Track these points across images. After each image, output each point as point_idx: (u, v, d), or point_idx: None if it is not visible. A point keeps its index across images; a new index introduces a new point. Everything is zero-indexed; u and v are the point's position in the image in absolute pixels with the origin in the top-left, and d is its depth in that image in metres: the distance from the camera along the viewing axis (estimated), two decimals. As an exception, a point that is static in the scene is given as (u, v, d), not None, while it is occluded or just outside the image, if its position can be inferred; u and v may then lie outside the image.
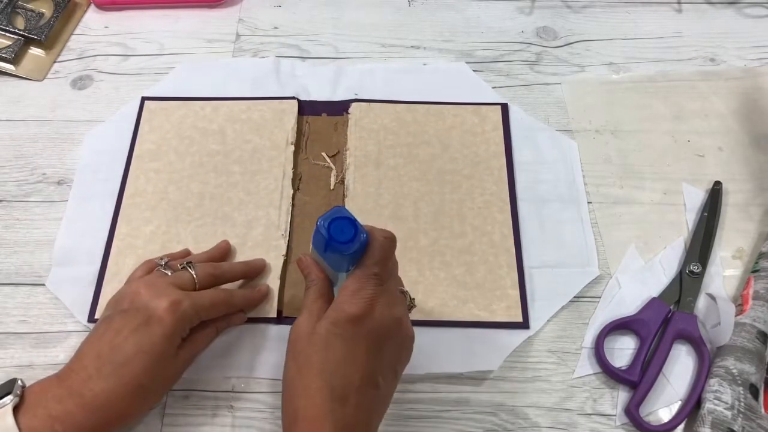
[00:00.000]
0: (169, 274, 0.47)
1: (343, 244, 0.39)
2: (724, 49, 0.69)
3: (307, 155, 0.60)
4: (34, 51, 0.67)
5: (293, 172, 0.58)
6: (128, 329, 0.42)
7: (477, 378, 0.49)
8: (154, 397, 0.45)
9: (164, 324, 0.43)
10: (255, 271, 0.53)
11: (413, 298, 0.45)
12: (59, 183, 0.58)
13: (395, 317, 0.41)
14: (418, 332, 0.50)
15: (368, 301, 0.39)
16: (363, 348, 0.39)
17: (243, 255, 0.54)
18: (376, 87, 0.64)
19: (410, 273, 0.53)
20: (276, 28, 0.70)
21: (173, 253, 0.52)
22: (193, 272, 0.47)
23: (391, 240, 0.41)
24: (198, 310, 0.45)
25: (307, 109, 0.63)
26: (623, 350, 0.51)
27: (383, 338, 0.40)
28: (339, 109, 0.63)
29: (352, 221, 0.39)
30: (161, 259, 0.49)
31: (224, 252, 0.53)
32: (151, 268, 0.49)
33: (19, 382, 0.41)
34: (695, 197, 0.58)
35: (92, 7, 0.71)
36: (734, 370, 0.47)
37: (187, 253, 0.53)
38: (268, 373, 0.49)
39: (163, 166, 0.58)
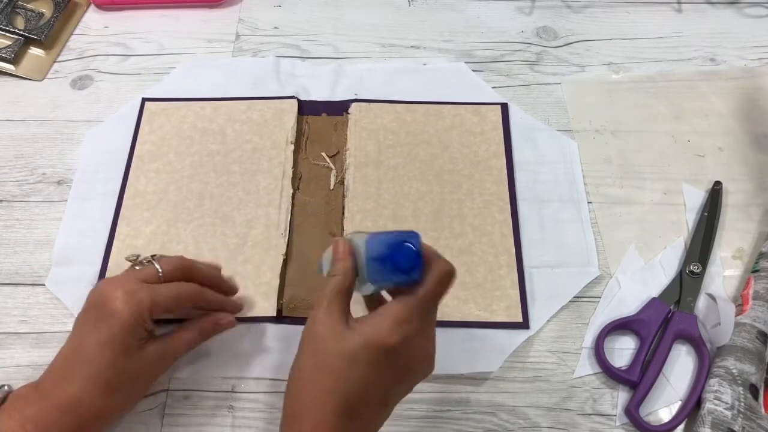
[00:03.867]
0: (137, 268, 0.46)
1: (402, 272, 0.37)
2: (724, 49, 0.69)
3: (306, 155, 0.60)
4: (34, 51, 0.67)
5: (293, 172, 0.58)
6: (88, 327, 0.42)
7: (477, 378, 0.49)
8: (125, 395, 0.44)
9: (120, 315, 0.41)
10: (230, 290, 0.51)
11: None
12: (59, 183, 0.58)
13: (429, 354, 0.39)
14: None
15: (411, 335, 0.37)
16: (389, 376, 0.37)
17: (243, 254, 0.54)
18: (376, 87, 0.64)
19: (410, 273, 0.53)
20: (276, 28, 0.70)
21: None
22: (157, 266, 0.45)
23: (452, 275, 0.39)
24: (157, 299, 0.43)
25: (306, 108, 0.63)
26: (623, 350, 0.51)
27: (411, 371, 0.39)
28: (339, 109, 0.63)
29: (418, 253, 0.37)
30: (131, 255, 0.48)
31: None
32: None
33: (6, 387, 0.42)
34: (695, 197, 0.58)
35: (92, 7, 0.71)
36: (734, 370, 0.47)
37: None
38: (268, 373, 0.49)
39: (163, 166, 0.58)
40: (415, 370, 0.39)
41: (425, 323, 0.39)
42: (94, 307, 0.43)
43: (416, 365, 0.39)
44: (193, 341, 0.47)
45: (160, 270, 0.45)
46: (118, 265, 0.53)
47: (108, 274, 0.53)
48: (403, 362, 0.38)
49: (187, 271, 0.47)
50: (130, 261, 0.47)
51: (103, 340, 0.41)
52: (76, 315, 0.50)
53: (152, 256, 0.47)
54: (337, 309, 0.38)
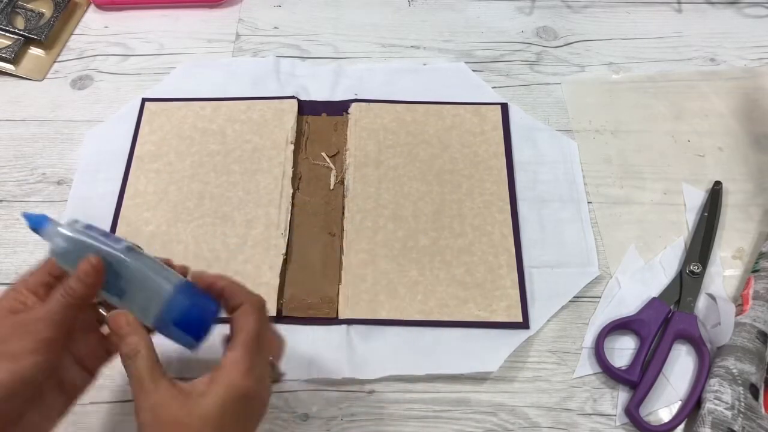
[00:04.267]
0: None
1: (193, 337, 0.38)
2: (724, 49, 0.69)
3: (306, 155, 0.60)
4: (34, 51, 0.67)
5: (293, 172, 0.58)
6: None
7: (477, 378, 0.49)
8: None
9: None
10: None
11: (281, 372, 0.42)
12: (59, 183, 0.58)
13: (270, 391, 0.39)
14: (419, 332, 0.50)
15: (261, 379, 0.37)
16: (250, 425, 0.38)
17: (243, 254, 0.54)
18: (375, 87, 0.64)
19: (410, 273, 0.53)
20: (276, 28, 0.70)
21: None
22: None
23: (263, 305, 0.39)
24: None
25: (306, 108, 0.63)
26: (623, 350, 0.51)
27: (260, 412, 0.39)
28: (339, 108, 0.63)
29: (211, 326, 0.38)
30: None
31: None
32: None
33: None
34: (695, 197, 0.58)
35: (92, 7, 0.71)
36: (734, 370, 0.47)
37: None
38: (268, 373, 0.49)
39: (163, 166, 0.58)
40: (261, 412, 0.39)
41: (263, 363, 0.39)
42: None
43: (262, 407, 0.39)
44: None
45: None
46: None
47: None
48: (259, 408, 0.38)
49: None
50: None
51: None
52: None
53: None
54: (164, 384, 0.36)
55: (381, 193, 0.57)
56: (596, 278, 0.54)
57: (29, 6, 0.69)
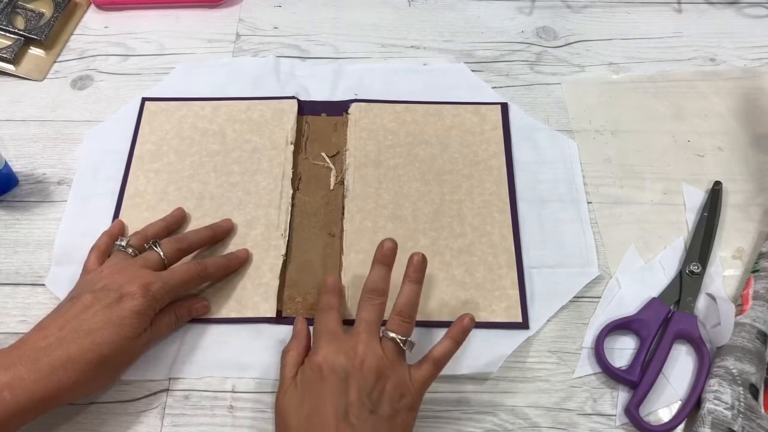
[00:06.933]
0: (130, 252, 0.49)
1: None
2: (724, 49, 0.69)
3: (306, 155, 0.60)
4: (34, 51, 0.67)
5: (293, 172, 0.58)
6: (99, 306, 0.43)
7: (477, 378, 0.49)
8: (109, 374, 0.45)
9: (136, 302, 0.44)
10: (222, 233, 0.54)
11: (404, 339, 0.44)
12: (59, 183, 0.58)
13: (349, 357, 0.42)
14: (419, 332, 0.50)
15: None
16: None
17: (243, 255, 0.54)
18: (375, 87, 0.64)
19: (410, 273, 0.53)
20: (276, 28, 0.70)
21: (132, 233, 0.52)
22: (159, 251, 0.48)
23: (373, 299, 0.46)
24: (169, 290, 0.46)
25: (306, 108, 0.63)
26: (623, 350, 0.51)
27: (349, 382, 0.41)
28: (339, 109, 0.63)
29: None
30: (120, 239, 0.50)
31: (180, 220, 0.54)
32: (103, 252, 0.50)
33: None
34: (695, 197, 0.58)
35: (92, 7, 0.71)
36: (734, 370, 0.47)
37: (144, 232, 0.52)
38: (268, 373, 0.49)
39: (163, 166, 0.58)
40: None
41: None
42: (109, 290, 0.44)
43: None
44: (172, 326, 0.49)
45: (163, 255, 0.48)
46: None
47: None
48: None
49: (186, 249, 0.51)
50: (122, 246, 0.49)
51: (114, 321, 0.43)
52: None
53: (153, 242, 0.49)
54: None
55: (381, 193, 0.57)
56: (596, 278, 0.54)
57: (29, 6, 0.69)
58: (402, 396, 0.41)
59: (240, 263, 0.53)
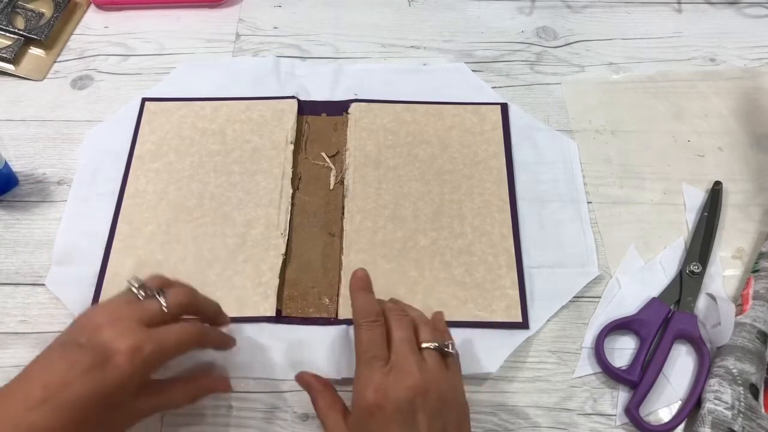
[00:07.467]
0: (141, 297, 0.42)
1: None
2: (724, 49, 0.69)
3: (306, 155, 0.60)
4: (34, 51, 0.67)
5: (293, 172, 0.58)
6: (81, 367, 0.38)
7: (477, 378, 0.49)
8: None
9: (121, 371, 0.38)
10: (218, 323, 0.48)
11: (447, 344, 0.43)
12: (59, 183, 0.58)
13: (410, 386, 0.40)
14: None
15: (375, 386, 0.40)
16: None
17: (242, 254, 0.54)
18: (375, 87, 0.64)
19: (410, 273, 0.53)
20: (276, 28, 0.70)
21: (152, 276, 0.45)
22: (162, 300, 0.42)
23: (371, 323, 0.43)
24: (162, 353, 0.40)
25: (306, 108, 0.63)
26: (623, 350, 0.51)
27: (416, 412, 0.39)
28: (339, 109, 0.63)
29: None
30: (135, 280, 0.43)
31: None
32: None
33: None
34: (695, 197, 0.58)
35: (92, 7, 0.71)
36: (734, 370, 0.47)
37: (162, 280, 0.45)
38: (268, 372, 0.49)
39: (163, 166, 0.58)
40: (431, 406, 0.41)
41: (392, 365, 0.42)
42: (94, 348, 0.38)
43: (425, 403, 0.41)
44: (184, 402, 0.44)
45: (165, 306, 0.42)
46: (117, 266, 0.53)
47: (108, 275, 0.52)
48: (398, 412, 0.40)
49: (191, 308, 0.45)
50: (134, 287, 0.43)
51: (96, 392, 0.37)
52: (75, 315, 0.48)
53: (159, 289, 0.43)
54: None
55: (381, 193, 0.57)
56: (596, 278, 0.54)
57: (29, 6, 0.69)
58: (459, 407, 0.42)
59: (231, 347, 0.48)
